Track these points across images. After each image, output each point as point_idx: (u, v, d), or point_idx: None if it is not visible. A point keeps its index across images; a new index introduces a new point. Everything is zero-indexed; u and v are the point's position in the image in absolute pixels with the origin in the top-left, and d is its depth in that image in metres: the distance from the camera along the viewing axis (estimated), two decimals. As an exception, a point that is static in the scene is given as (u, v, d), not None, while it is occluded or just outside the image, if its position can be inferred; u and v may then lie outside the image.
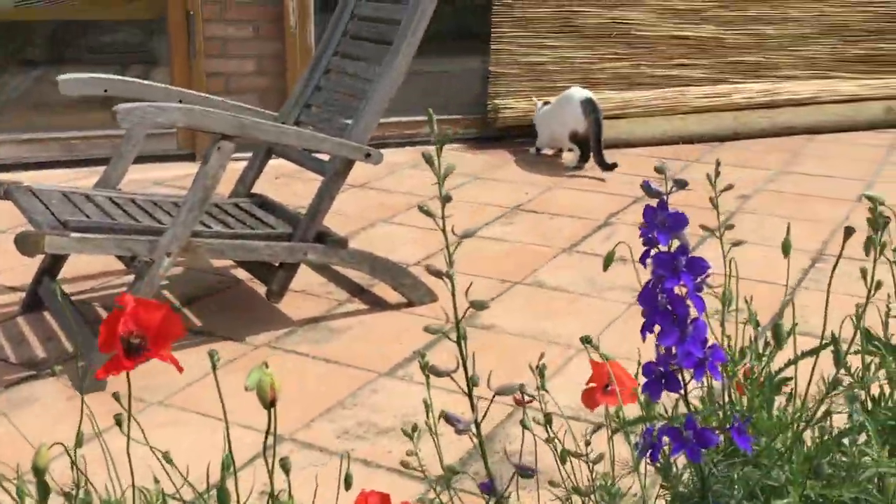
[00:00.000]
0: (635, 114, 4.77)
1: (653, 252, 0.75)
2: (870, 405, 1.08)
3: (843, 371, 1.14)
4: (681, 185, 0.75)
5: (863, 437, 0.98)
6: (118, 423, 0.95)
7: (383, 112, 2.53)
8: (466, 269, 3.01)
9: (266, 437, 0.81)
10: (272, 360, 2.37)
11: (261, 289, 2.72)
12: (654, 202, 0.75)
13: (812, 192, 3.87)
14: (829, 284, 0.95)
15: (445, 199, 0.75)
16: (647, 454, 0.83)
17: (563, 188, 3.96)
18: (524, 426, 1.15)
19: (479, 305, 0.77)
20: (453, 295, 0.73)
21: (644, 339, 0.76)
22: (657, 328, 0.75)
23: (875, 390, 1.13)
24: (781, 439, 0.92)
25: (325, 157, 2.56)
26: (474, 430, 0.73)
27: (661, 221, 0.73)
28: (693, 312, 0.75)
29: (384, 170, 4.02)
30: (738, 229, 1.20)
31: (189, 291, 2.80)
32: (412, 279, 2.69)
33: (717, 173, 0.89)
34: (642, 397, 0.88)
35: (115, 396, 1.09)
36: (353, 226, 3.40)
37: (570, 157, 4.26)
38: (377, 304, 2.73)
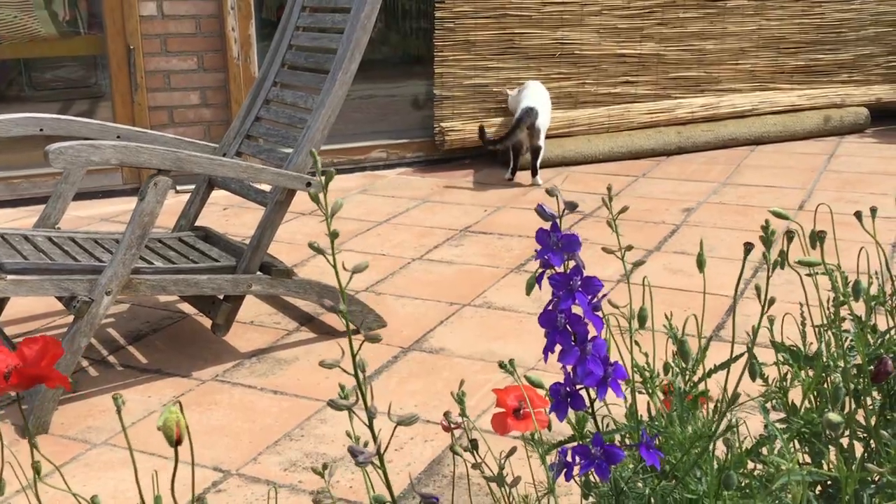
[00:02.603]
0: (581, 132, 4.83)
1: (547, 273, 0.76)
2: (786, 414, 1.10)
3: (761, 382, 1.17)
4: (571, 207, 0.77)
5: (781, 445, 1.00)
6: (36, 470, 0.94)
7: (323, 140, 2.54)
8: (416, 292, 3.02)
9: (175, 470, 0.80)
10: (220, 394, 2.36)
11: (208, 322, 2.71)
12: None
13: (754, 203, 3.94)
14: (735, 293, 0.97)
15: (333, 236, 0.76)
16: (562, 473, 0.84)
17: (511, 208, 3.99)
18: (454, 452, 1.15)
19: (372, 339, 0.77)
20: (349, 330, 0.73)
21: (546, 359, 0.77)
22: (558, 348, 0.77)
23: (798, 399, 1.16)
24: (696, 452, 0.94)
25: (268, 188, 2.56)
26: (377, 461, 0.73)
27: (554, 243, 0.75)
28: (592, 331, 0.77)
29: (334, 196, 4.02)
30: (683, 242, 1.23)
31: (134, 328, 2.77)
32: (360, 306, 2.69)
33: (611, 198, 0.91)
34: (554, 419, 0.89)
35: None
36: (302, 254, 3.39)
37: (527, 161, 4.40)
38: (326, 333, 2.73)
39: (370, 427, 0.77)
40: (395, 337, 2.69)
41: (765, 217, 3.72)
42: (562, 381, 0.80)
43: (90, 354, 2.58)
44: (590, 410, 0.80)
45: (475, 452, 1.09)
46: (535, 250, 0.77)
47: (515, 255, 3.36)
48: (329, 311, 0.80)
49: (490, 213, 3.90)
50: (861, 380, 1.11)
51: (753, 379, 1.11)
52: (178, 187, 4.05)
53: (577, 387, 0.79)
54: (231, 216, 3.81)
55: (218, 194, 3.87)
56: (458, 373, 2.45)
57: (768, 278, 0.87)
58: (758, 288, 0.88)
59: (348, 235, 3.62)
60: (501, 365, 0.96)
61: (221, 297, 2.47)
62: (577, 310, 0.76)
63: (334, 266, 0.75)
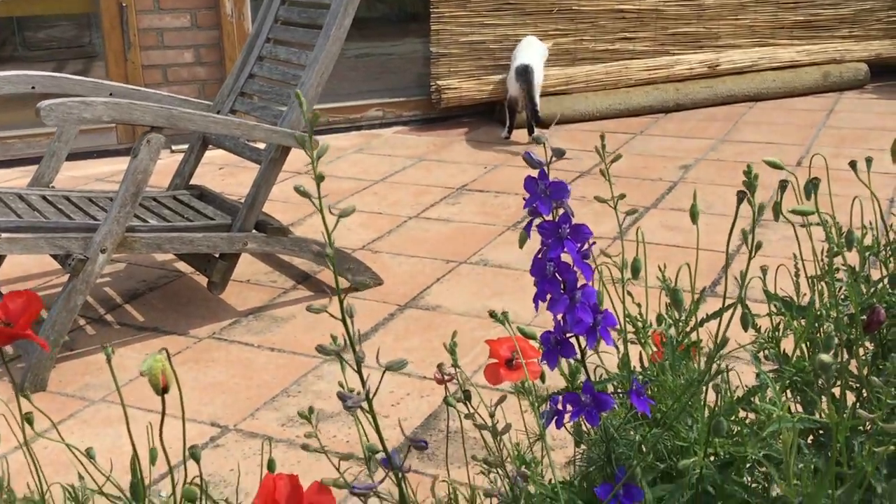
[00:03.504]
0: (579, 89, 4.80)
1: (536, 222, 0.76)
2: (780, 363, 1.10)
3: (753, 332, 1.17)
4: (559, 154, 0.76)
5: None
6: (28, 421, 0.94)
7: (318, 97, 2.52)
8: (412, 250, 3.02)
9: (161, 421, 0.80)
10: (217, 351, 2.36)
11: (204, 281, 2.71)
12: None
13: (753, 160, 3.93)
14: (728, 241, 0.97)
15: (319, 179, 0.75)
16: (553, 421, 0.85)
17: (508, 166, 3.97)
18: (447, 403, 1.15)
19: (360, 285, 0.77)
20: (334, 270, 0.73)
21: (536, 308, 0.77)
22: (549, 297, 0.77)
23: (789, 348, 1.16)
24: (686, 400, 0.94)
25: (262, 146, 2.54)
26: (365, 405, 0.73)
27: (542, 191, 0.74)
28: (582, 279, 0.76)
29: (329, 155, 4.01)
30: (680, 199, 1.22)
31: (131, 287, 2.78)
32: (356, 264, 2.68)
33: (603, 146, 0.90)
34: (547, 371, 0.89)
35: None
36: (298, 213, 3.38)
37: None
38: (323, 291, 2.73)
39: (358, 371, 0.77)
40: (391, 294, 2.69)
41: (763, 174, 3.71)
42: (552, 331, 0.80)
43: (87, 313, 2.59)
44: (580, 359, 0.80)
45: (468, 403, 1.10)
46: (524, 198, 0.76)
47: (512, 213, 3.35)
48: (317, 256, 0.79)
49: (487, 172, 3.88)
50: (854, 329, 1.11)
51: (745, 328, 1.11)
52: (173, 147, 4.03)
53: (567, 335, 0.79)
54: (227, 175, 3.79)
55: (214, 154, 3.85)
56: (454, 330, 2.45)
57: (753, 223, 0.87)
58: (744, 232, 0.88)
59: (344, 194, 3.61)
60: (492, 314, 0.96)
61: (217, 255, 2.47)
62: (566, 258, 0.76)
63: (321, 209, 0.74)
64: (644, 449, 0.92)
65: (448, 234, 3.18)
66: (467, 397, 1.10)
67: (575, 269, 0.75)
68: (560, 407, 0.85)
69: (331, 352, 0.76)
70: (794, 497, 0.82)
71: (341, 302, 0.74)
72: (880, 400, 0.97)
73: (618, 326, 0.85)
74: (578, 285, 0.76)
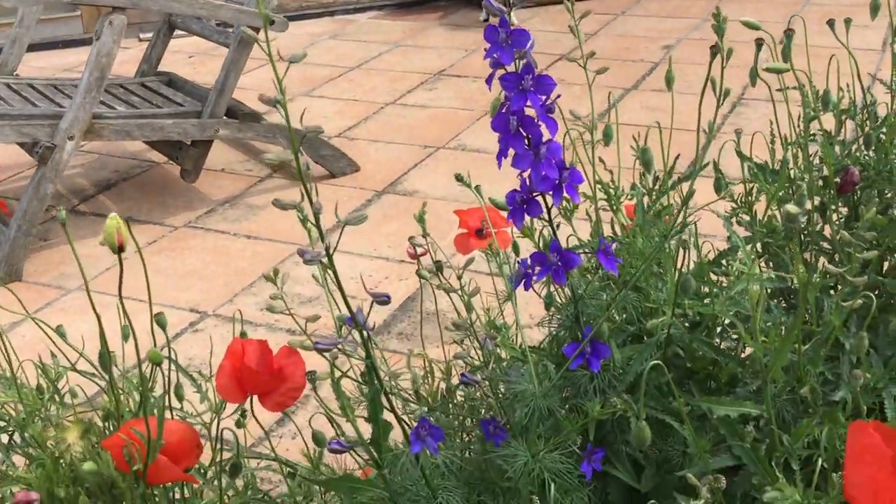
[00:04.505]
0: (559, -31, 4.66)
1: (498, 73, 0.73)
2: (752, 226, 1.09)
3: (727, 198, 1.15)
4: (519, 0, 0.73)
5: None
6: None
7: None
8: (389, 137, 2.97)
9: (120, 290, 0.79)
10: (193, 240, 2.35)
11: (178, 171, 2.66)
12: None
13: (735, 38, 3.85)
14: (702, 94, 0.95)
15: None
16: (522, 283, 0.84)
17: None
18: (420, 276, 1.15)
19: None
20: (287, 122, 0.70)
21: (500, 165, 0.75)
22: (512, 153, 0.75)
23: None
24: (657, 262, 0.94)
25: (232, 28, 2.46)
26: (325, 260, 0.72)
27: (503, 39, 0.71)
28: (547, 134, 0.74)
29: (302, 41, 3.90)
30: (662, 80, 1.18)
31: (104, 177, 2.73)
32: (333, 150, 2.65)
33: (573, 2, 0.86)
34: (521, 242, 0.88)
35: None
36: (273, 101, 3.31)
37: None
38: (298, 179, 2.69)
39: (316, 224, 0.75)
40: (369, 181, 2.66)
41: (747, 54, 3.65)
42: (519, 189, 0.78)
43: (61, 204, 2.55)
44: (547, 217, 0.79)
45: (439, 274, 1.09)
46: (485, 49, 0.73)
47: (489, 98, 3.29)
48: (265, 103, 0.77)
49: (465, 56, 3.80)
50: (827, 192, 1.10)
51: (718, 192, 1.09)
52: (141, 35, 3.91)
53: (534, 193, 0.77)
54: (197, 64, 3.69)
55: (184, 42, 3.75)
56: (431, 214, 2.43)
57: (723, 69, 0.84)
58: (713, 81, 0.86)
59: (319, 81, 3.53)
60: (458, 177, 0.94)
61: (188, 142, 2.42)
62: (530, 112, 0.73)
63: (269, 54, 0.71)
64: (613, 310, 0.91)
65: (425, 119, 3.13)
66: (439, 268, 1.09)
67: (539, 123, 0.73)
68: (529, 270, 0.84)
69: (286, 205, 0.74)
70: (760, 352, 0.82)
71: (296, 153, 0.72)
72: (850, 257, 0.97)
73: (585, 182, 0.83)
74: (543, 140, 0.74)
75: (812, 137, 1.06)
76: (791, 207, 0.68)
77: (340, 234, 0.77)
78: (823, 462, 0.82)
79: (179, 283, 2.16)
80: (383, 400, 0.77)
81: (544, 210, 0.78)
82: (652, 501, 0.86)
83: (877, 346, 1.00)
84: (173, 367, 1.08)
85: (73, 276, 2.18)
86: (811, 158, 1.14)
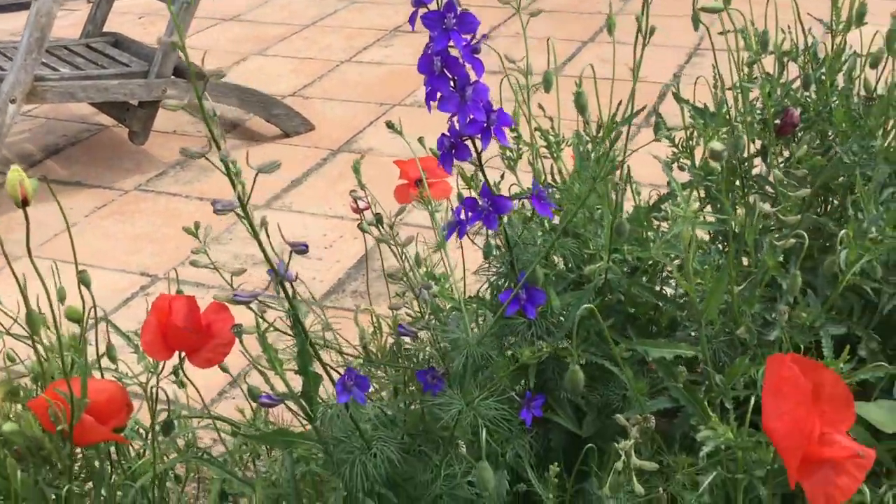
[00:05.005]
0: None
1: (420, 12, 0.71)
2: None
3: (667, 143, 1.15)
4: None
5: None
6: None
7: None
8: (345, 95, 2.93)
9: (28, 241, 0.77)
10: (144, 203, 2.31)
11: (128, 133, 2.61)
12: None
13: (693, -10, 3.84)
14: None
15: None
16: (456, 231, 0.83)
17: (444, 5, 3.84)
18: (362, 229, 1.13)
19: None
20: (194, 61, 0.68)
21: (429, 109, 0.73)
22: (439, 96, 0.73)
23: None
24: (597, 208, 0.93)
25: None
26: (240, 211, 0.70)
27: (422, -24, 0.69)
28: (474, 76, 0.72)
29: (256, 0, 3.83)
30: (620, 33, 1.16)
31: (52, 142, 2.67)
32: (286, 109, 2.61)
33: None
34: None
35: None
36: (226, 61, 3.25)
37: None
38: (252, 139, 2.65)
39: (228, 174, 0.73)
40: (323, 140, 2.62)
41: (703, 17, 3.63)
42: (448, 133, 0.77)
43: (6, 170, 2.49)
44: (476, 162, 0.77)
45: (380, 225, 1.07)
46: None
47: (447, 53, 3.25)
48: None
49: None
50: (767, 134, 1.10)
51: (657, 134, 1.09)
52: (89, -4, 3.81)
53: (462, 137, 0.75)
54: (147, 24, 3.61)
55: (133, 2, 3.66)
56: (386, 171, 2.41)
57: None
58: (638, 19, 0.84)
59: (273, 40, 3.47)
60: (389, 125, 0.92)
61: (136, 103, 2.37)
62: (454, 53, 0.72)
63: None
64: (554, 257, 0.91)
65: (381, 76, 3.09)
66: (379, 220, 1.07)
67: (465, 64, 0.71)
68: (462, 217, 0.83)
69: (194, 154, 0.72)
70: (693, 293, 0.82)
71: (199, 97, 0.70)
72: (787, 197, 0.97)
73: (513, 126, 0.82)
74: (470, 82, 0.72)
75: (753, 80, 1.06)
76: (715, 144, 0.68)
77: (254, 180, 0.74)
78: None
79: (130, 246, 2.13)
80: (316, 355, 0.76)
81: (474, 154, 0.77)
82: (590, 445, 0.86)
83: (815, 287, 1.00)
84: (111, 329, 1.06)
85: (21, 242, 2.13)
86: (753, 102, 1.13)
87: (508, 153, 1.13)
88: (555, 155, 1.06)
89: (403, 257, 0.92)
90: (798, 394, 0.58)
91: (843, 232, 0.87)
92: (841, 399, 0.60)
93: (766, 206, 0.84)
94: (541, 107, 1.10)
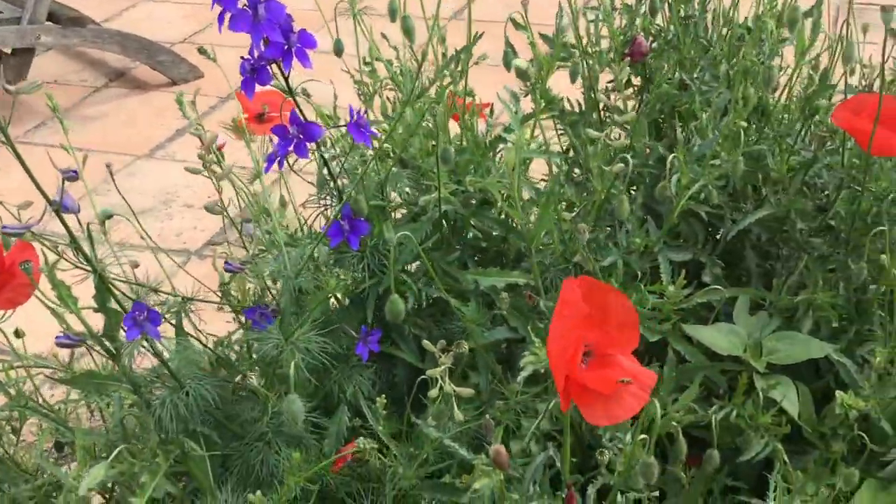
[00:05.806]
0: None
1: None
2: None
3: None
4: None
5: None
6: None
7: None
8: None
9: None
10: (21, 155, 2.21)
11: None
12: None
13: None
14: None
15: None
16: (276, 161, 0.79)
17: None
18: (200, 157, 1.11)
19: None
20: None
21: (220, 30, 0.70)
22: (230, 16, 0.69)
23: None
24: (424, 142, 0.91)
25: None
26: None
27: None
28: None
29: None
30: None
31: (-78, 95, 2.53)
32: (171, 56, 2.51)
33: None
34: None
35: None
36: (112, 7, 3.11)
37: None
38: (137, 87, 2.56)
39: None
40: (212, 87, 2.53)
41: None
42: (248, 57, 0.73)
43: None
44: (286, 88, 0.74)
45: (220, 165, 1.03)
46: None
47: (346, -2, 3.17)
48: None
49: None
50: (617, 63, 1.08)
51: (507, 67, 1.06)
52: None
53: (263, 61, 0.72)
54: (32, -29, 3.44)
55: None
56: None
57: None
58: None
59: (164, -14, 3.33)
60: (201, 50, 0.88)
61: (9, 51, 2.26)
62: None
63: None
64: (385, 189, 0.88)
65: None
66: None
67: (257, -19, 0.67)
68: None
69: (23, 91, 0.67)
70: (519, 217, 0.81)
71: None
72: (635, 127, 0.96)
73: (318, 48, 0.79)
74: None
75: (597, 8, 1.04)
76: (519, 62, 0.65)
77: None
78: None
79: (5, 200, 2.03)
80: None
81: (281, 79, 0.73)
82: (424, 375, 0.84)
83: (659, 212, 1.00)
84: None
85: None
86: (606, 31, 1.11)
87: (364, 89, 1.10)
88: (400, 86, 1.03)
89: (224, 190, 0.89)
90: (574, 317, 0.56)
91: (672, 156, 0.86)
92: (628, 322, 0.59)
93: (594, 132, 0.83)
94: (385, 36, 1.06)
